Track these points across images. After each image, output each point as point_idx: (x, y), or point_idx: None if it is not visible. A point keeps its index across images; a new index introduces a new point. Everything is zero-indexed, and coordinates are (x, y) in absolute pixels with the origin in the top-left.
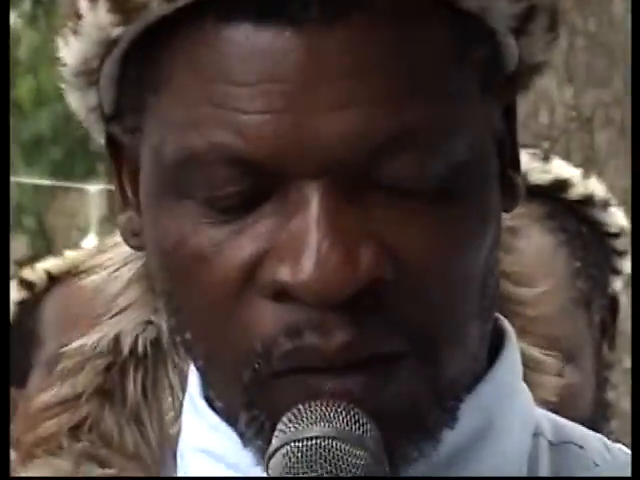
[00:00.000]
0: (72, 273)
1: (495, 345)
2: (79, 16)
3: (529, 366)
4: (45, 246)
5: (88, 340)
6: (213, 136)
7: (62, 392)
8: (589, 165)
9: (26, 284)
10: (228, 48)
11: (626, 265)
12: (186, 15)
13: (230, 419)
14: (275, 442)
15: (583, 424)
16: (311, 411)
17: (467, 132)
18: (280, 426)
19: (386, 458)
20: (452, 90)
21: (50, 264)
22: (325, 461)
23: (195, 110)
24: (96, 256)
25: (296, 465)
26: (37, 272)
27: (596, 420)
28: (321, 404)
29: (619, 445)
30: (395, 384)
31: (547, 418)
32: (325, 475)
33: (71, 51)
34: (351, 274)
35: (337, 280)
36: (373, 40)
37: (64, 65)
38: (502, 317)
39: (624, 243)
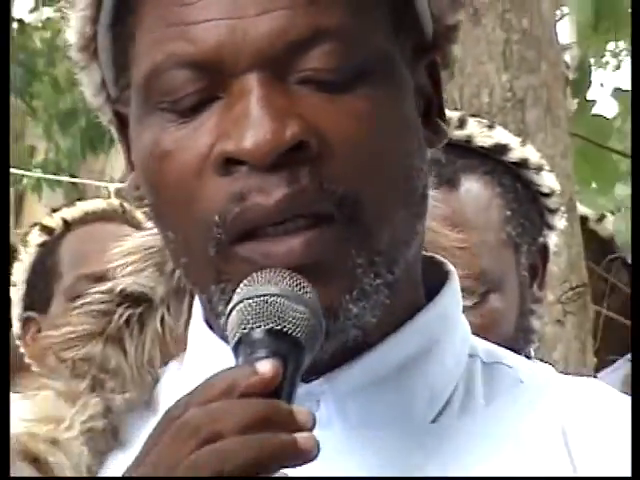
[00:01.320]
0: (83, 220)
1: (441, 282)
2: None
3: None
4: (77, 198)
5: (106, 287)
6: (169, 48)
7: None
8: (520, 137)
9: (47, 229)
10: None
11: (558, 221)
12: None
13: (207, 300)
14: (232, 300)
15: (506, 344)
16: (262, 276)
17: (373, 47)
18: (237, 290)
19: (323, 317)
20: (364, 9)
21: (65, 212)
22: (271, 314)
23: (156, 34)
24: (126, 255)
25: (247, 317)
26: (55, 219)
27: (518, 341)
28: (270, 271)
29: (542, 365)
30: (330, 242)
31: (481, 343)
32: (270, 324)
33: (70, 27)
34: (281, 137)
35: (270, 142)
36: None
37: (70, 46)
38: (446, 261)
39: (555, 202)
